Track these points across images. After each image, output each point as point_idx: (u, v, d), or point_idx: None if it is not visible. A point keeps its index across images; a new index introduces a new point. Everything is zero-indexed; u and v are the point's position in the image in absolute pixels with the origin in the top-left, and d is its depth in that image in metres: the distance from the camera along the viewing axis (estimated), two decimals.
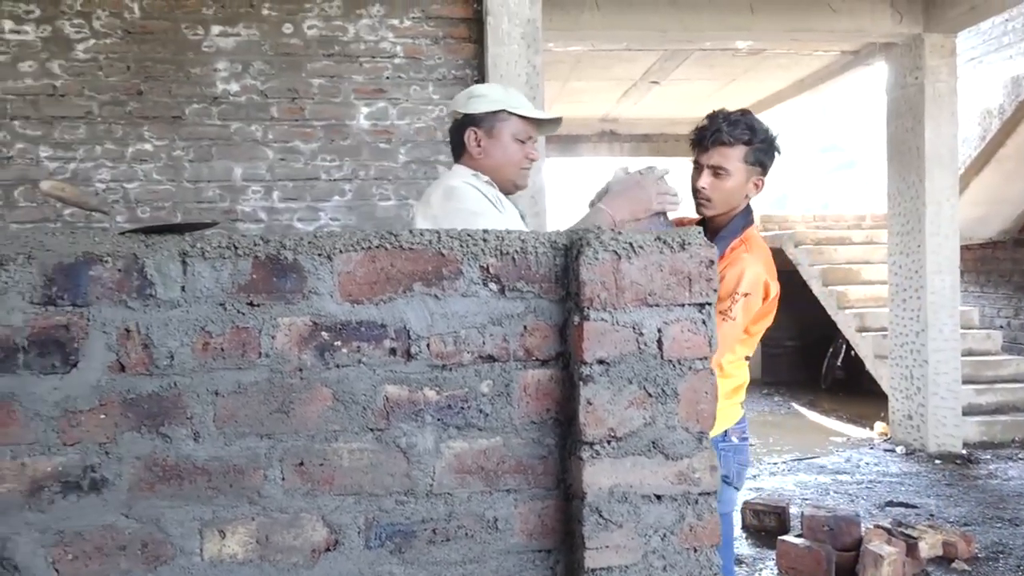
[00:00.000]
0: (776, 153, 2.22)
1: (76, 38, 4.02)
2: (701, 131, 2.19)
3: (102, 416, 1.11)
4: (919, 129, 6.14)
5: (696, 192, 2.19)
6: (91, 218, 4.01)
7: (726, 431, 2.18)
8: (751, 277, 2.07)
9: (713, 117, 2.19)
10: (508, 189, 2.04)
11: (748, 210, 2.24)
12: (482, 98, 2.02)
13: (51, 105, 4.02)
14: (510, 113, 2.00)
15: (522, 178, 2.07)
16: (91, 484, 1.11)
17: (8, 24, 3.98)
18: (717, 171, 2.15)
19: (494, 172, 2.02)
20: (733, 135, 2.13)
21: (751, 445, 6.59)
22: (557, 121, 2.14)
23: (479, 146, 2.02)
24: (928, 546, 3.89)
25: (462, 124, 2.03)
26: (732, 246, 2.15)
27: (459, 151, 2.06)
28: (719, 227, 2.19)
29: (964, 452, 6.15)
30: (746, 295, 2.07)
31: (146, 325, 1.12)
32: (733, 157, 2.13)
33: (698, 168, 2.19)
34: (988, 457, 6.05)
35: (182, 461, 1.13)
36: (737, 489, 2.26)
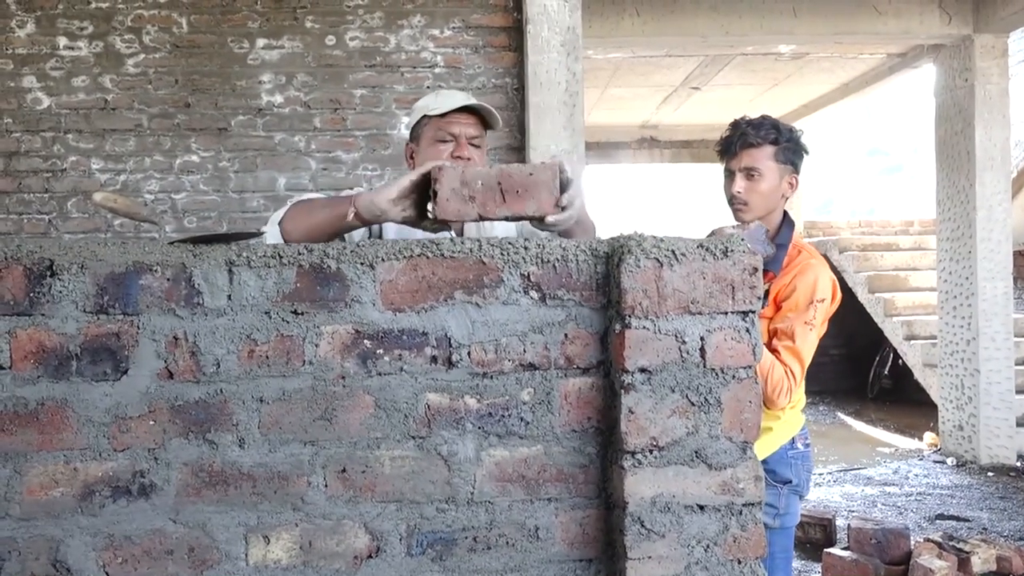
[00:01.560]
0: (804, 152, 2.23)
1: (127, 53, 4.13)
2: (727, 139, 2.21)
3: (151, 422, 1.14)
4: (969, 132, 6.00)
5: (732, 199, 2.19)
6: (140, 228, 4.11)
7: (793, 438, 2.17)
8: (824, 282, 2.10)
9: (736, 124, 2.21)
10: None
11: (789, 219, 2.25)
12: (413, 111, 1.96)
13: (103, 118, 4.14)
14: (428, 117, 1.90)
15: None
16: (140, 489, 1.14)
17: (63, 41, 4.11)
18: (750, 173, 2.15)
19: None
20: (760, 136, 2.15)
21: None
22: (489, 111, 1.92)
23: (411, 158, 1.96)
24: (981, 561, 3.77)
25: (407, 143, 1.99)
26: (791, 254, 2.16)
27: None
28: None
29: (1018, 464, 5.96)
30: (822, 301, 2.08)
31: (194, 333, 1.14)
32: (763, 157, 2.15)
33: (730, 175, 2.19)
34: None
35: (228, 467, 1.15)
36: (803, 497, 2.24)
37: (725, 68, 7.40)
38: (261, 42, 4.17)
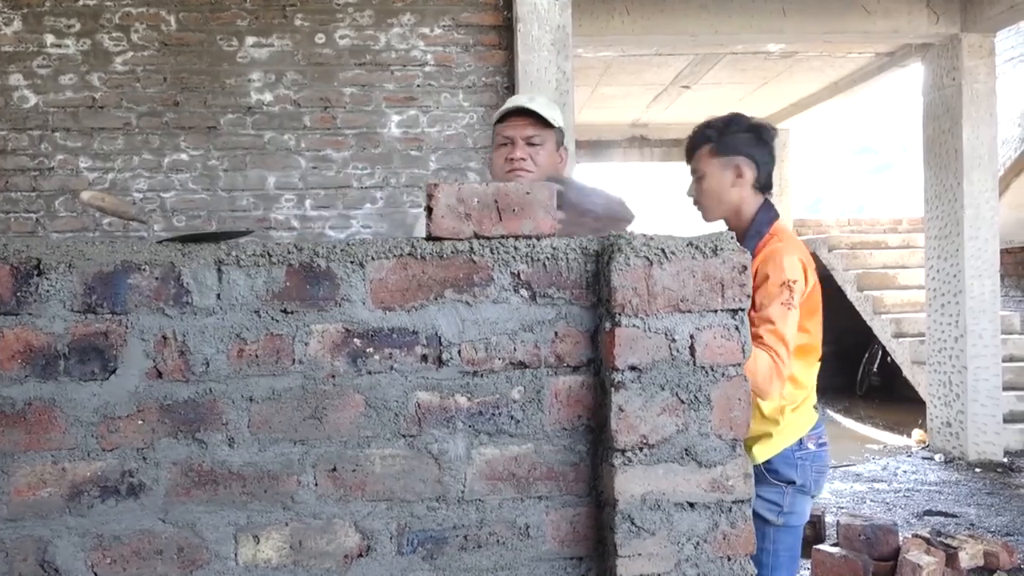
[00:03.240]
0: (753, 132, 2.17)
1: (115, 51, 4.11)
2: (685, 150, 2.26)
3: (140, 422, 1.13)
4: (957, 131, 6.04)
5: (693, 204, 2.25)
6: (129, 227, 4.09)
7: (801, 439, 2.14)
8: (789, 263, 2.03)
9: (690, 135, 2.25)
10: None
11: (767, 206, 2.19)
12: None
13: (90, 117, 4.11)
14: (493, 125, 2.04)
15: (507, 180, 1.98)
16: (129, 489, 1.13)
17: (50, 38, 4.08)
18: (697, 176, 2.19)
19: None
20: (695, 140, 2.19)
21: None
22: (523, 110, 2.00)
23: (491, 164, 2.08)
24: (969, 556, 3.80)
25: None
26: (761, 243, 2.12)
27: None
28: (737, 230, 2.15)
29: (1005, 460, 6.01)
30: (795, 281, 2.02)
31: (183, 332, 1.14)
32: (702, 157, 2.17)
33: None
34: None
35: (217, 467, 1.15)
36: (814, 497, 2.22)
37: (715, 67, 7.42)
38: (250, 40, 4.16)
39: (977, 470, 5.81)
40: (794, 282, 2.01)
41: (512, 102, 2.03)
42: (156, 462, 1.14)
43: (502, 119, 2.02)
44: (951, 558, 3.71)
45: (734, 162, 2.14)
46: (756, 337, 1.98)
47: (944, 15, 5.91)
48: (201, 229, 4.06)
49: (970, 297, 6.03)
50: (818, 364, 2.21)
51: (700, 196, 2.20)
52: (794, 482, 2.13)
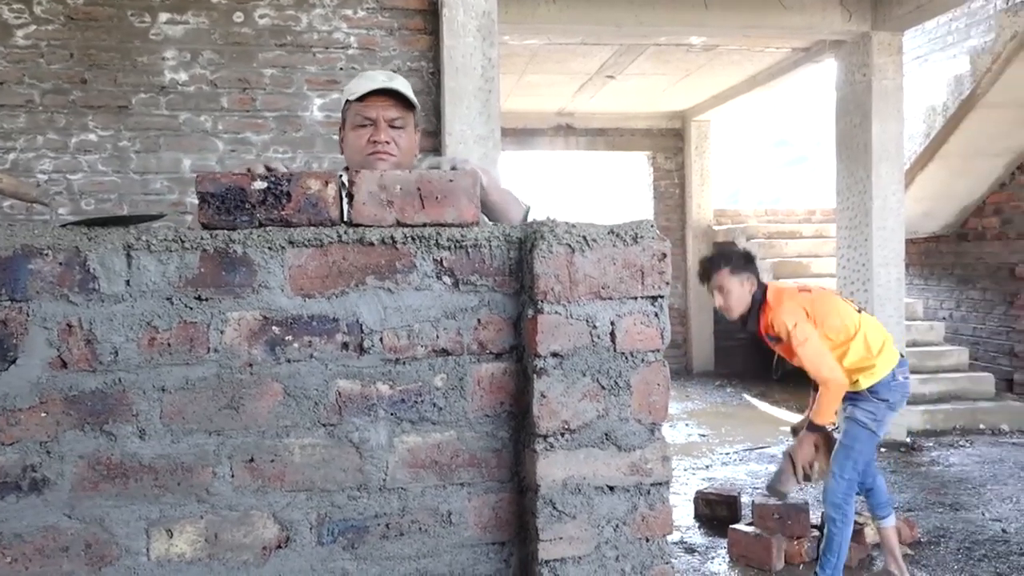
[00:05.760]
0: (751, 259, 3.39)
1: (15, 24, 3.89)
2: (700, 273, 3.42)
3: (43, 414, 1.08)
4: (867, 125, 6.28)
5: (719, 309, 3.40)
6: (32, 210, 3.89)
7: (893, 372, 3.30)
8: (780, 320, 3.19)
9: (701, 261, 3.44)
10: None
11: (761, 285, 3.33)
12: (343, 96, 1.96)
13: None
14: (348, 101, 1.90)
15: (369, 163, 1.87)
16: (31, 484, 1.08)
17: None
18: (720, 290, 3.31)
19: (349, 163, 1.93)
20: (715, 265, 3.33)
21: (704, 436, 6.68)
22: (388, 91, 1.89)
23: (341, 144, 1.97)
24: (873, 532, 4.00)
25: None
26: (763, 309, 3.29)
27: None
28: (755, 309, 3.32)
29: (908, 440, 6.33)
30: (795, 325, 3.16)
31: (89, 320, 1.09)
32: (723, 277, 3.29)
33: (711, 293, 3.38)
34: (931, 445, 6.24)
35: (127, 459, 1.10)
36: (894, 411, 3.36)
37: (639, 57, 7.52)
38: (164, 16, 3.99)
39: (883, 450, 6.10)
40: (795, 326, 3.16)
41: (370, 80, 1.89)
42: (61, 456, 1.09)
43: (360, 98, 1.88)
44: (857, 534, 3.89)
45: (746, 277, 3.30)
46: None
47: (856, 13, 6.13)
48: (111, 212, 3.89)
49: (877, 285, 6.30)
50: (871, 320, 3.43)
51: (726, 303, 3.31)
52: (887, 400, 3.29)
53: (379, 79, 1.88)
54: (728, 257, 3.33)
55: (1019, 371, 7.28)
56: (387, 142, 1.87)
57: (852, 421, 3.33)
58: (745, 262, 3.33)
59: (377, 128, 1.86)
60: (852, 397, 3.33)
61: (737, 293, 3.27)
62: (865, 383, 3.29)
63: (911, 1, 5.82)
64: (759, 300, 3.28)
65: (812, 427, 3.29)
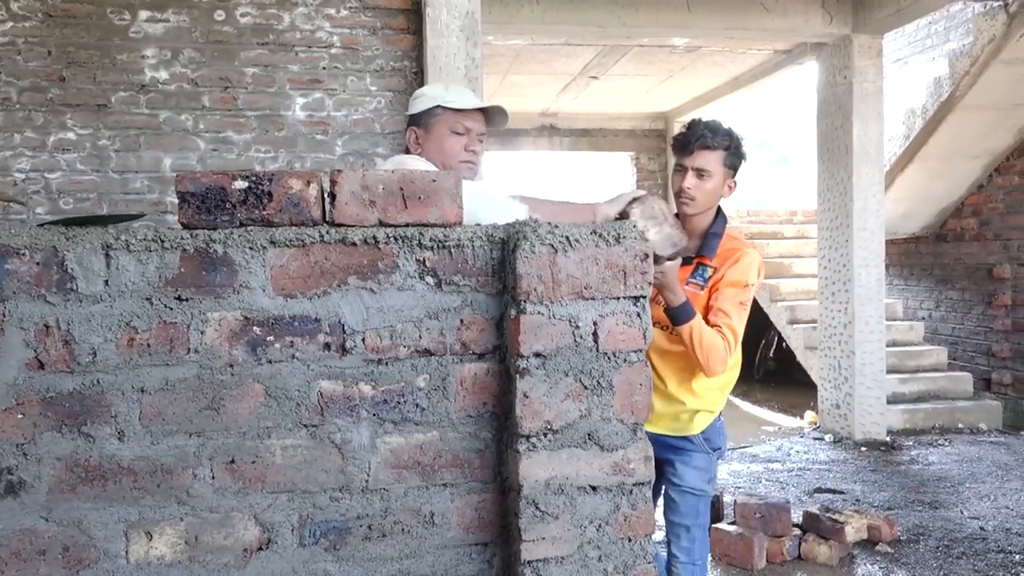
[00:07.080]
0: (744, 159, 2.45)
1: None
2: (684, 137, 2.39)
3: (19, 416, 1.07)
4: (847, 127, 6.34)
5: (680, 192, 2.39)
6: (9, 209, 3.84)
7: (721, 414, 2.58)
8: (753, 268, 2.36)
9: (694, 124, 2.40)
10: None
11: (722, 210, 2.48)
12: (421, 98, 2.08)
13: None
14: (444, 108, 2.03)
15: (463, 171, 2.04)
16: (7, 487, 1.07)
17: None
18: (700, 172, 2.36)
19: (436, 163, 2.03)
20: (715, 140, 2.35)
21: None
22: (501, 112, 2.12)
23: (417, 143, 2.06)
24: (854, 530, 4.03)
25: (407, 126, 2.09)
26: (724, 243, 2.41)
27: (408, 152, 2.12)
28: (696, 226, 2.42)
29: (888, 439, 6.39)
30: (752, 285, 2.35)
31: (67, 321, 1.08)
32: (714, 160, 2.36)
33: (681, 170, 2.39)
34: (910, 444, 6.30)
35: (106, 461, 1.09)
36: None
37: (623, 58, 7.54)
38: (144, 14, 3.96)
39: (863, 449, 6.15)
40: (752, 286, 2.35)
41: (463, 94, 2.08)
42: (38, 458, 1.08)
43: (461, 108, 2.05)
44: (838, 532, 3.93)
45: (731, 176, 2.42)
46: (714, 326, 2.31)
47: (837, 16, 6.18)
48: (90, 212, 3.85)
49: (858, 285, 6.36)
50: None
51: (697, 191, 2.36)
52: (720, 448, 2.54)
53: (475, 97, 2.08)
54: (727, 139, 2.37)
55: (997, 370, 7.37)
56: (478, 154, 2.08)
57: (683, 493, 2.48)
58: (740, 160, 2.43)
59: (471, 139, 2.05)
60: (677, 452, 2.48)
61: (714, 187, 2.36)
62: (699, 426, 2.50)
63: (891, 4, 5.88)
64: (721, 225, 2.43)
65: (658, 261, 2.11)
